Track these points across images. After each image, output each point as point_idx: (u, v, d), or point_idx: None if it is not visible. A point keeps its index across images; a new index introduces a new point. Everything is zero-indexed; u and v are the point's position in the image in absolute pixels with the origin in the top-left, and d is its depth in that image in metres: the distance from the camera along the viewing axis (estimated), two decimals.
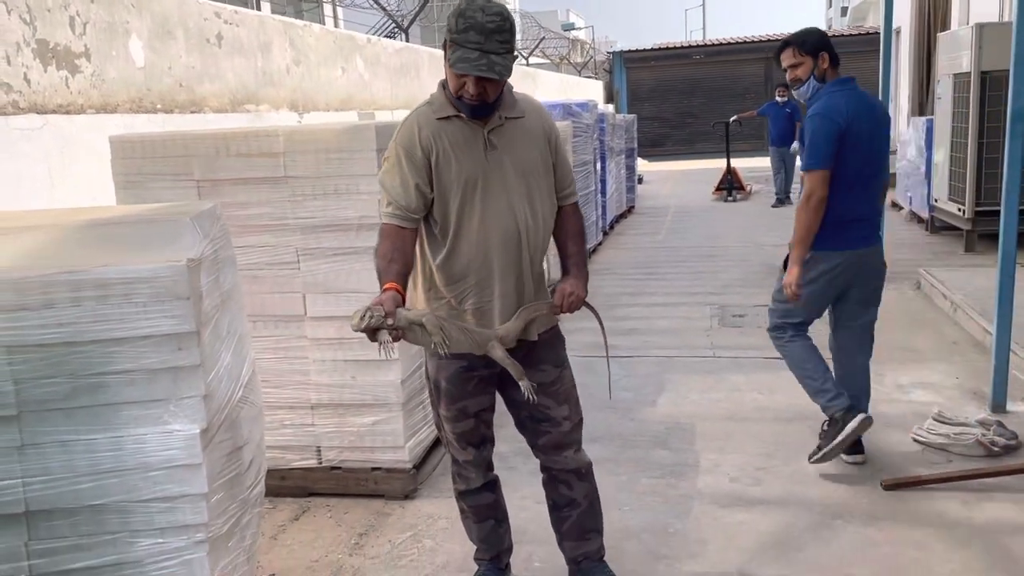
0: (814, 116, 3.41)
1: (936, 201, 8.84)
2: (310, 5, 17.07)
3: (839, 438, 3.42)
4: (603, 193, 9.70)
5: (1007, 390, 4.16)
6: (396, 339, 2.20)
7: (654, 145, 23.71)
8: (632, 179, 12.93)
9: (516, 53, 2.31)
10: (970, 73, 7.71)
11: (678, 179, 17.79)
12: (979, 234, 8.00)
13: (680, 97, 24.64)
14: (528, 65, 21.74)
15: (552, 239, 2.57)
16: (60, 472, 1.93)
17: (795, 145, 12.28)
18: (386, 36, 13.90)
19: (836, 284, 3.55)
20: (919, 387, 4.55)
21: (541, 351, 2.54)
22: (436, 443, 3.94)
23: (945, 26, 11.69)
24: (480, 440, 2.64)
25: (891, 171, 9.36)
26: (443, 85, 2.39)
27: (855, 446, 3.59)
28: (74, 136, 4.19)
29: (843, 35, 23.35)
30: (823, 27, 21.62)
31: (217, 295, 2.19)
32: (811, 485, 3.49)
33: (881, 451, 3.77)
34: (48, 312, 1.87)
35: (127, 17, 4.76)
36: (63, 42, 4.24)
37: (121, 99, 4.67)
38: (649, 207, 13.24)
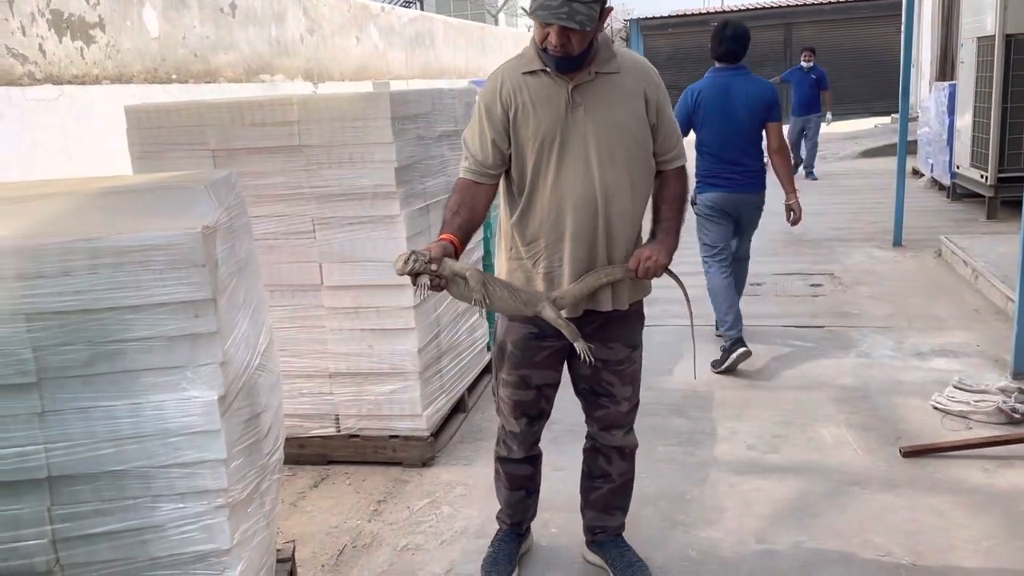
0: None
1: (958, 168, 8.70)
2: None
3: (728, 362, 4.33)
4: None
5: None
6: (438, 288, 2.15)
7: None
8: None
9: (604, 4, 2.16)
10: (994, 36, 7.54)
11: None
12: (1001, 201, 7.88)
13: (697, 64, 24.24)
14: None
15: (650, 204, 2.44)
16: (81, 438, 1.95)
17: (828, 115, 11.68)
18: (401, 5, 13.78)
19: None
20: (940, 354, 4.52)
21: (615, 328, 2.45)
22: (453, 411, 3.96)
23: None
24: (537, 413, 2.58)
25: (910, 138, 9.24)
26: (535, 40, 2.31)
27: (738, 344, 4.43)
28: (90, 106, 4.20)
29: (865, 0, 22.90)
30: None
31: (233, 263, 2.19)
32: (828, 452, 3.48)
33: (900, 418, 3.75)
34: (66, 279, 1.88)
35: None
36: (77, 12, 4.23)
37: (136, 69, 4.66)
38: None
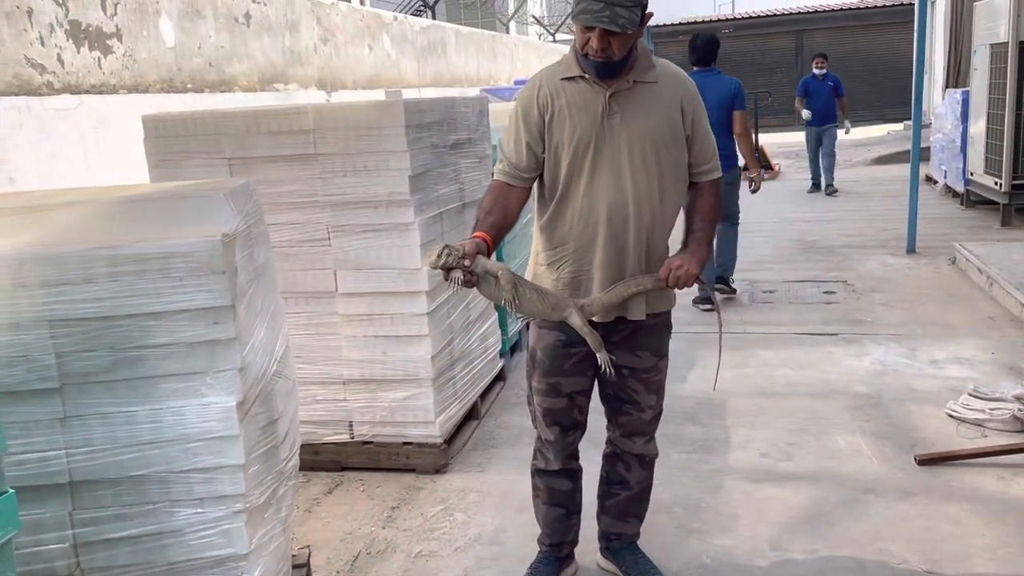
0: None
1: (972, 174, 8.67)
2: None
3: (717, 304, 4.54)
4: None
5: None
6: (469, 285, 2.14)
7: None
8: None
9: (645, 9, 2.17)
10: (1007, 43, 7.53)
11: None
12: (1016, 208, 7.84)
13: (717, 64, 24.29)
14: (555, 41, 21.58)
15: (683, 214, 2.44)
16: (102, 443, 1.98)
17: (846, 124, 11.01)
18: (412, 14, 13.86)
19: None
20: (954, 362, 4.50)
21: (643, 336, 2.45)
22: (467, 418, 3.97)
23: None
24: (571, 424, 2.55)
25: (923, 145, 9.20)
26: (575, 47, 2.32)
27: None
28: (107, 116, 4.25)
29: (876, 6, 22.87)
30: None
31: (251, 270, 2.22)
32: (843, 460, 3.47)
33: (915, 426, 3.74)
34: (88, 287, 1.91)
35: None
36: (95, 23, 4.28)
37: (152, 79, 4.71)
38: None
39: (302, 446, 3.10)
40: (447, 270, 2.09)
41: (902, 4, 21.01)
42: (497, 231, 2.28)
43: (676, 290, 2.36)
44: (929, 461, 3.37)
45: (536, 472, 2.68)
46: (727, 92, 5.54)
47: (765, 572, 2.73)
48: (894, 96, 19.96)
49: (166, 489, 2.02)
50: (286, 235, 3.46)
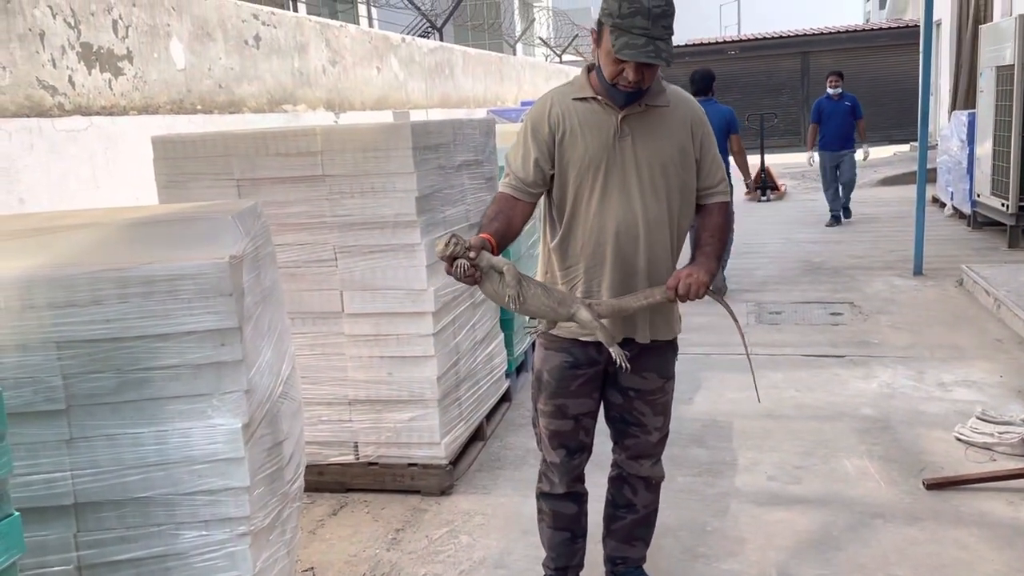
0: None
1: (979, 196, 8.67)
2: (345, 5, 17.22)
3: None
4: None
5: None
6: (472, 280, 2.09)
7: None
8: None
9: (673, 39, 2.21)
10: (1013, 66, 7.55)
11: None
12: (1023, 229, 7.83)
13: (716, 94, 24.40)
14: (562, 62, 21.70)
15: (689, 236, 2.45)
16: (108, 465, 1.98)
17: (864, 149, 10.09)
18: (420, 35, 13.97)
19: None
20: (962, 385, 4.47)
21: (650, 358, 2.45)
22: (472, 440, 3.96)
23: (987, 18, 11.45)
24: (577, 446, 2.54)
25: (929, 166, 9.19)
26: (588, 69, 2.35)
27: None
28: (118, 137, 4.28)
29: (882, 28, 22.96)
30: (861, 20, 21.25)
31: (258, 291, 2.22)
32: (851, 484, 3.45)
33: (924, 450, 3.71)
34: (96, 308, 1.92)
35: (168, 20, 4.84)
36: (106, 45, 4.33)
37: (162, 100, 4.75)
38: None
39: (307, 467, 3.09)
40: (452, 259, 2.05)
41: (908, 26, 21.10)
42: (501, 237, 2.26)
43: (686, 301, 2.31)
44: (937, 485, 3.34)
45: (541, 495, 2.66)
46: (723, 118, 6.48)
47: None
48: (900, 117, 19.98)
49: (171, 511, 2.02)
50: (293, 255, 3.47)
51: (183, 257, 1.99)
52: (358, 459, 3.64)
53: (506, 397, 4.50)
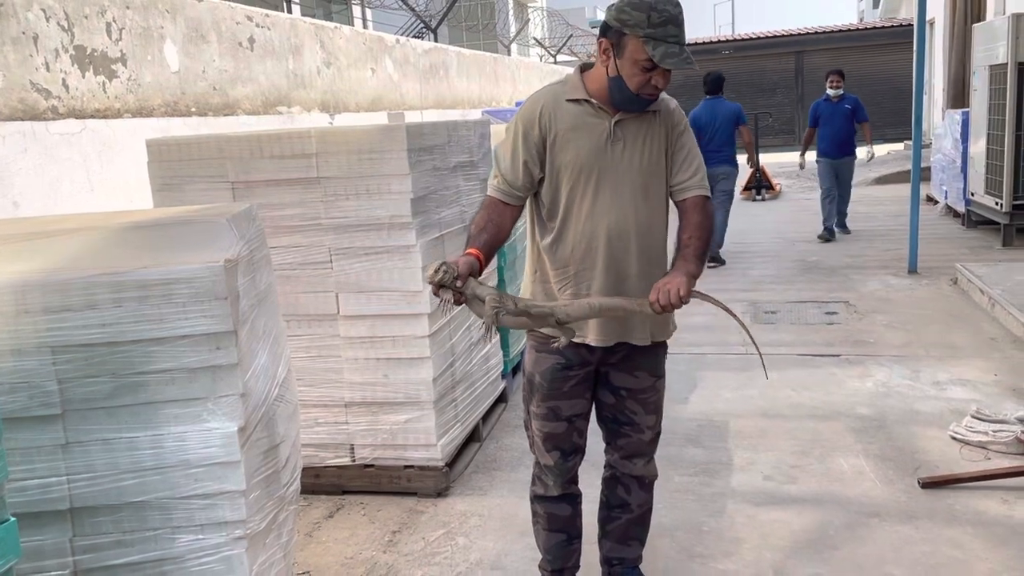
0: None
1: (972, 195, 8.69)
2: (339, 7, 17.22)
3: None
4: None
5: None
6: (458, 303, 2.17)
7: None
8: None
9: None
10: (1007, 64, 7.57)
11: None
12: (1017, 228, 7.86)
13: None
14: (556, 63, 21.71)
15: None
16: (103, 469, 1.97)
17: (868, 150, 9.25)
18: (414, 36, 13.97)
19: None
20: (957, 384, 4.49)
21: (640, 357, 2.45)
22: (468, 441, 3.96)
23: (980, 17, 11.48)
24: (571, 448, 2.55)
25: (923, 165, 9.18)
26: (581, 69, 2.35)
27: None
28: (112, 140, 4.27)
29: (875, 27, 23.01)
30: (855, 19, 21.28)
31: (254, 295, 2.22)
32: (847, 483, 3.46)
33: (919, 448, 3.72)
34: (91, 313, 1.92)
35: (161, 22, 4.84)
36: (100, 48, 4.32)
37: (156, 103, 4.75)
38: None
39: (303, 469, 3.09)
40: (439, 287, 2.12)
41: (901, 25, 21.16)
42: (490, 249, 2.30)
43: (671, 311, 2.25)
44: (932, 484, 3.35)
45: (535, 498, 2.66)
46: (733, 112, 7.86)
47: None
48: (894, 116, 20.03)
49: (167, 515, 2.02)
50: (288, 258, 3.47)
51: (178, 261, 1.99)
52: (354, 461, 3.63)
53: (502, 398, 4.50)
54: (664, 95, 2.38)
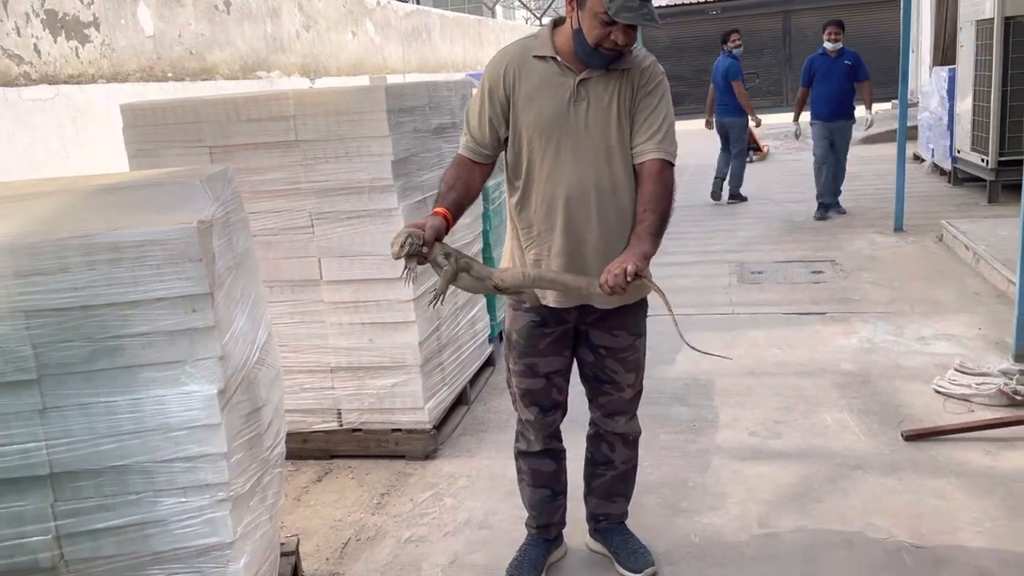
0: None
1: (959, 152, 8.68)
2: None
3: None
4: None
5: None
6: (423, 263, 2.19)
7: (671, 104, 23.37)
8: None
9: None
10: (993, 19, 7.52)
11: (695, 139, 17.54)
12: (1002, 184, 7.86)
13: (696, 54, 24.23)
14: (542, 25, 21.46)
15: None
16: (82, 434, 1.96)
17: (868, 116, 8.16)
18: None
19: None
20: (941, 339, 4.51)
21: (619, 317, 2.44)
22: (456, 404, 3.97)
23: None
24: (550, 404, 2.55)
25: (910, 123, 9.09)
26: (553, 24, 2.29)
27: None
28: (86, 106, 4.20)
29: None
30: None
31: (230, 257, 2.19)
32: (831, 437, 3.48)
33: (903, 403, 3.75)
34: (63, 276, 1.89)
35: None
36: (72, 12, 4.23)
37: (131, 68, 4.66)
38: None
39: (290, 435, 3.09)
40: (408, 256, 2.14)
41: None
42: (458, 206, 2.29)
43: (620, 293, 2.15)
44: (916, 437, 3.38)
45: (519, 455, 2.68)
46: (723, 68, 8.82)
47: (753, 549, 2.74)
48: (881, 75, 19.78)
49: (149, 479, 2.01)
50: (269, 223, 3.44)
51: (151, 223, 1.96)
52: (341, 426, 3.63)
53: (490, 362, 4.50)
54: (641, 52, 2.33)
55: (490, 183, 3.99)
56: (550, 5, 22.96)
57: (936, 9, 12.80)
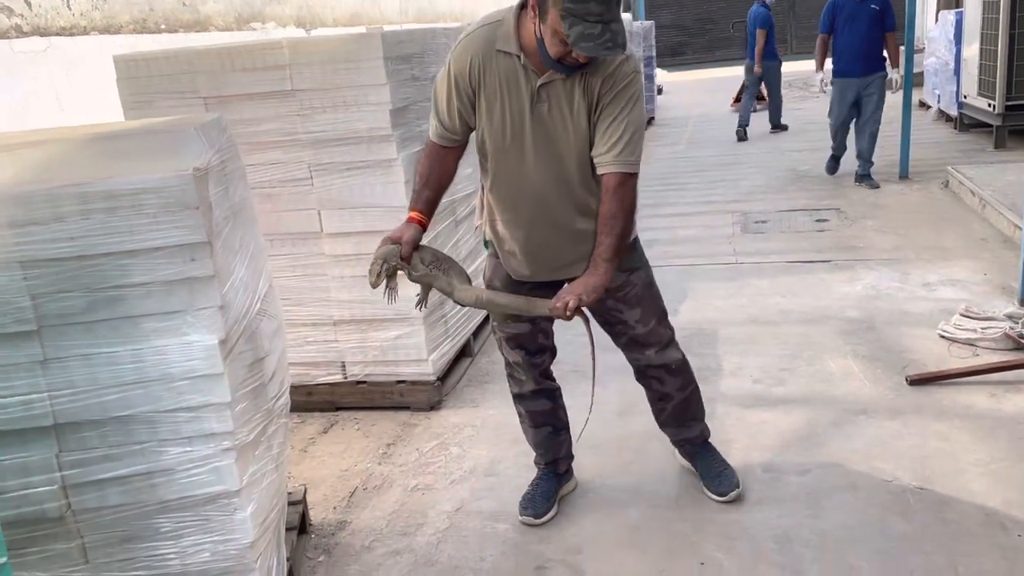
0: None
1: (965, 97, 8.56)
2: None
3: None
4: None
5: None
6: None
7: (673, 54, 23.06)
8: (651, 89, 12.58)
9: None
10: None
11: (698, 88, 17.36)
12: (1009, 130, 7.76)
13: (698, 2, 23.84)
14: None
15: None
16: (84, 385, 1.95)
17: (894, 75, 6.99)
18: None
19: None
20: (947, 284, 4.49)
21: None
22: (460, 356, 3.97)
23: None
24: (536, 348, 2.58)
25: (916, 70, 8.95)
26: (520, 7, 2.15)
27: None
28: (79, 58, 4.13)
29: None
30: None
31: (227, 207, 2.16)
32: (835, 383, 3.48)
33: (907, 348, 3.74)
34: (58, 226, 1.86)
35: None
36: None
37: (124, 20, 4.57)
38: (669, 118, 12.97)
39: (295, 388, 3.09)
40: (388, 277, 2.26)
41: None
42: (432, 205, 2.36)
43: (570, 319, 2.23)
44: (920, 381, 3.37)
45: (515, 398, 2.73)
46: (753, 17, 9.71)
47: (758, 494, 2.75)
48: None
49: (153, 429, 2.00)
50: (268, 175, 3.39)
51: (146, 170, 1.92)
52: (346, 378, 3.64)
53: None
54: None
55: None
56: None
57: None
